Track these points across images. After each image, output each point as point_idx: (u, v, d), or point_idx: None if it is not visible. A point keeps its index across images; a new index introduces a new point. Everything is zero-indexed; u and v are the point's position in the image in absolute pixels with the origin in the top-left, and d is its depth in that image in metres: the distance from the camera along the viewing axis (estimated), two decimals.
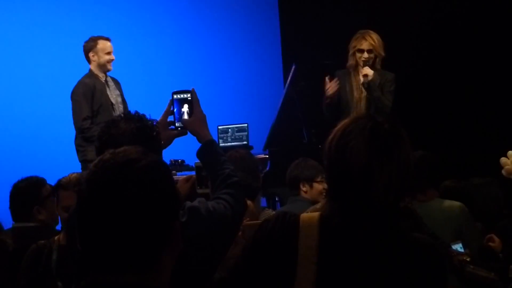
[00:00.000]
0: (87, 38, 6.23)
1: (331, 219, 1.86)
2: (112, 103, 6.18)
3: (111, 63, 6.23)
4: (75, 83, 6.20)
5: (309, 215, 1.90)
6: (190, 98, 2.70)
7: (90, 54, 6.19)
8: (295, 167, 4.69)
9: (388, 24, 6.90)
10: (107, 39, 6.25)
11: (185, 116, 2.69)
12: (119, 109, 6.15)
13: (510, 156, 3.28)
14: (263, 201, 5.85)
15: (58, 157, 6.81)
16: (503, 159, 3.34)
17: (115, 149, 1.55)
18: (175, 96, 2.72)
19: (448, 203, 3.97)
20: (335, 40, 6.24)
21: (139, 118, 2.41)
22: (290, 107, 6.20)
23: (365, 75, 5.74)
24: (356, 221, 1.83)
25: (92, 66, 6.22)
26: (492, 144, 6.94)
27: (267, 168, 6.10)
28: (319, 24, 7.64)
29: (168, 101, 2.74)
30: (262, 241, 1.90)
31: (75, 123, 6.04)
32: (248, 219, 2.79)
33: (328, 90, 5.82)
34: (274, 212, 4.18)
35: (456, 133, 7.30)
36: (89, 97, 6.06)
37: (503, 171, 3.26)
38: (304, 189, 4.57)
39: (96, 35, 6.27)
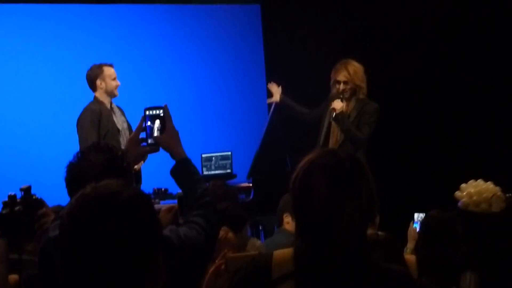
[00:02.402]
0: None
1: (304, 254, 1.89)
2: (118, 129, 6.15)
3: (117, 89, 6.22)
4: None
5: (283, 251, 1.94)
6: (162, 115, 2.66)
7: (98, 82, 6.13)
8: (282, 200, 4.69)
9: (373, 52, 6.94)
10: (111, 65, 6.24)
11: (156, 133, 2.64)
12: (125, 135, 6.10)
13: (463, 189, 3.34)
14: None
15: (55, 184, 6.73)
16: (457, 193, 3.39)
17: (86, 182, 1.54)
18: (147, 112, 2.67)
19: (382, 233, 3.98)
20: (319, 69, 6.27)
21: (109, 149, 2.38)
22: (273, 135, 6.22)
23: (333, 109, 5.73)
24: (325, 258, 1.85)
25: (98, 93, 6.16)
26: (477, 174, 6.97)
27: (251, 197, 6.09)
28: (303, 52, 7.67)
29: (140, 118, 2.70)
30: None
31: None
32: (230, 251, 2.77)
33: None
34: (259, 242, 4.17)
35: (444, 162, 7.34)
36: (95, 123, 6.01)
37: (459, 204, 3.30)
38: (286, 220, 4.57)
39: (97, 63, 6.26)
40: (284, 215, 4.58)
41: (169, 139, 2.62)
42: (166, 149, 2.63)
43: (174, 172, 2.59)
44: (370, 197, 1.87)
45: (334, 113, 5.70)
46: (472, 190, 3.25)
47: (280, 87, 6.10)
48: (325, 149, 1.94)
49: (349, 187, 1.84)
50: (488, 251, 2.85)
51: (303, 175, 1.89)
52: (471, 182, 3.38)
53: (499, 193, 3.25)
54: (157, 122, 2.65)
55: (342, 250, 1.84)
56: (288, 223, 4.56)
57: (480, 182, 3.33)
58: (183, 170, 2.57)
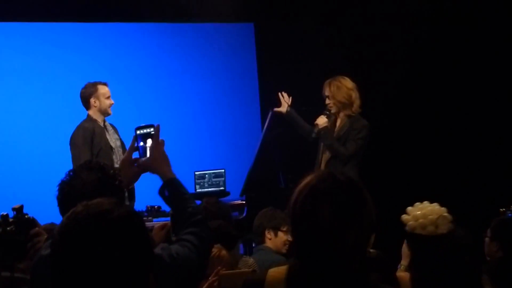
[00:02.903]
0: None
1: (298, 276, 1.88)
2: (111, 147, 6.13)
3: (111, 108, 6.21)
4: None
5: (277, 271, 1.93)
6: (153, 132, 2.65)
7: (92, 100, 6.13)
8: (262, 215, 4.68)
9: (367, 69, 6.97)
10: (105, 84, 6.23)
11: (149, 152, 2.64)
12: (118, 153, 6.08)
13: (410, 211, 3.37)
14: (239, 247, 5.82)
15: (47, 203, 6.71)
16: (404, 216, 3.43)
17: (78, 200, 1.55)
18: (138, 132, 2.68)
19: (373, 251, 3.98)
20: (313, 86, 6.29)
21: (100, 168, 2.38)
22: (267, 152, 6.22)
23: (316, 124, 5.81)
24: (323, 279, 1.84)
25: (92, 111, 6.16)
26: (470, 191, 7.03)
27: (244, 214, 6.08)
28: (296, 69, 7.70)
29: (132, 138, 2.70)
30: None
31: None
32: (224, 269, 2.77)
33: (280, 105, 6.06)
34: (252, 260, 4.16)
35: (438, 180, 7.35)
36: (88, 141, 6.00)
37: (406, 228, 3.34)
38: (269, 236, 4.55)
39: (91, 81, 6.26)
40: (266, 232, 4.57)
41: (154, 162, 2.62)
42: (154, 172, 2.63)
43: (161, 193, 2.60)
44: (371, 221, 1.87)
45: (317, 129, 5.79)
46: (418, 213, 3.28)
47: (290, 98, 6.12)
48: (323, 172, 1.91)
49: (352, 212, 1.85)
50: (437, 274, 2.86)
51: (304, 200, 1.88)
52: (417, 204, 3.42)
53: (445, 214, 3.29)
54: (149, 141, 2.65)
55: (343, 273, 1.83)
56: (270, 239, 4.55)
57: (426, 204, 3.36)
58: (169, 190, 2.58)
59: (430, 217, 3.18)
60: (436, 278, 2.83)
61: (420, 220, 3.18)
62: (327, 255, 1.83)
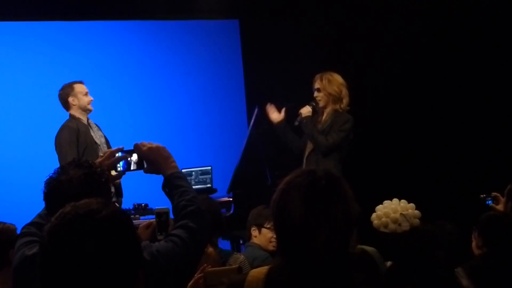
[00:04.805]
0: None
1: (277, 274, 1.88)
2: (96, 143, 6.15)
3: (90, 104, 6.22)
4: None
5: (258, 271, 1.94)
6: (131, 149, 2.69)
7: (70, 99, 6.15)
8: (251, 212, 4.72)
9: (352, 67, 7.00)
10: (81, 82, 6.25)
11: (133, 166, 2.68)
12: (104, 149, 6.06)
13: (377, 210, 3.40)
14: (227, 244, 5.84)
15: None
16: (372, 215, 3.45)
17: (64, 195, 1.56)
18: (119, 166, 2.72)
19: (360, 247, 4.01)
20: (297, 82, 6.31)
21: (88, 165, 2.40)
22: (253, 149, 6.23)
23: (300, 114, 5.86)
24: (301, 277, 1.84)
25: (73, 111, 6.17)
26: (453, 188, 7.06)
27: (231, 211, 6.10)
28: (282, 67, 7.72)
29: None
30: None
31: None
32: (209, 266, 2.78)
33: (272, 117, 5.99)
34: (242, 256, 4.19)
35: (427, 178, 7.39)
36: (74, 139, 6.02)
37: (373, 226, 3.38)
38: (254, 233, 4.60)
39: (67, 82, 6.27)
40: (252, 229, 4.61)
41: (152, 167, 2.64)
42: (158, 174, 2.65)
43: (164, 190, 2.62)
44: (347, 214, 1.85)
45: (300, 117, 5.82)
46: (381, 212, 3.31)
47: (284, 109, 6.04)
48: (304, 168, 1.91)
49: (324, 205, 1.84)
50: (405, 268, 2.87)
51: (280, 195, 1.90)
52: (386, 202, 3.44)
53: (409, 211, 3.31)
54: (134, 155, 2.68)
55: (320, 269, 1.82)
56: (255, 236, 4.59)
57: (393, 201, 3.39)
58: (168, 187, 2.59)
59: (392, 215, 3.21)
60: (405, 272, 2.85)
61: (383, 219, 3.22)
62: (301, 250, 1.83)
